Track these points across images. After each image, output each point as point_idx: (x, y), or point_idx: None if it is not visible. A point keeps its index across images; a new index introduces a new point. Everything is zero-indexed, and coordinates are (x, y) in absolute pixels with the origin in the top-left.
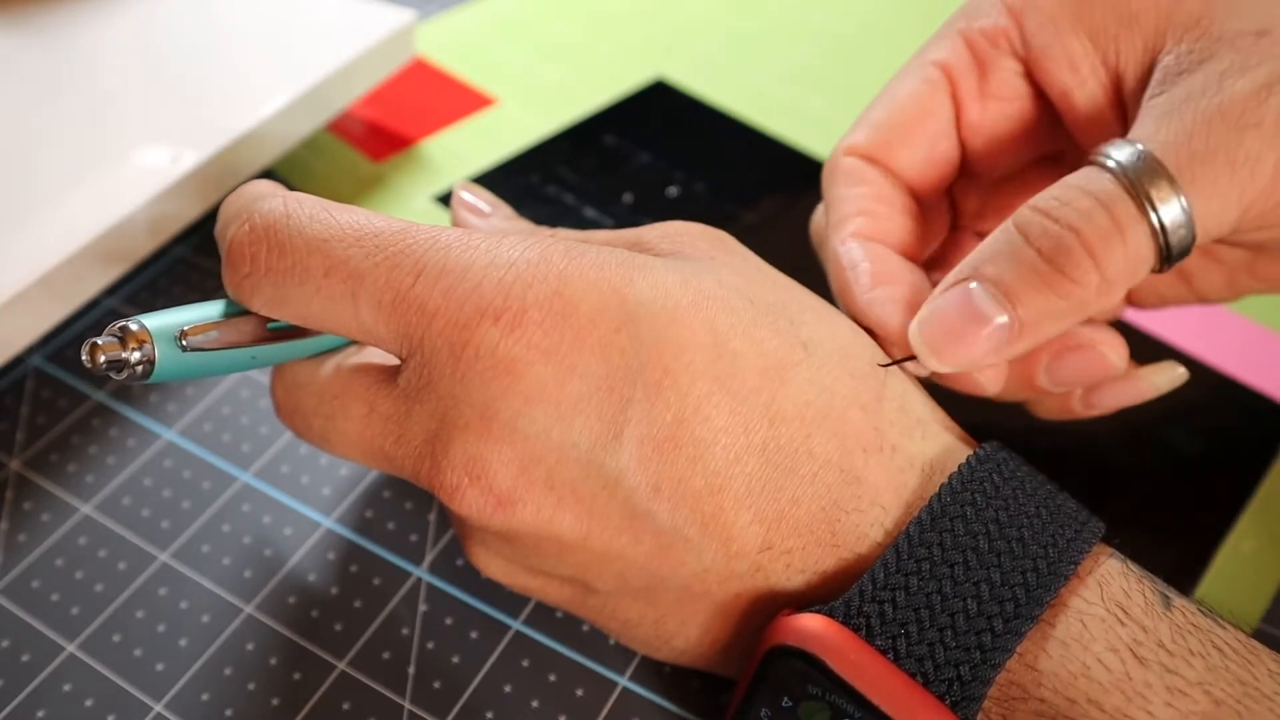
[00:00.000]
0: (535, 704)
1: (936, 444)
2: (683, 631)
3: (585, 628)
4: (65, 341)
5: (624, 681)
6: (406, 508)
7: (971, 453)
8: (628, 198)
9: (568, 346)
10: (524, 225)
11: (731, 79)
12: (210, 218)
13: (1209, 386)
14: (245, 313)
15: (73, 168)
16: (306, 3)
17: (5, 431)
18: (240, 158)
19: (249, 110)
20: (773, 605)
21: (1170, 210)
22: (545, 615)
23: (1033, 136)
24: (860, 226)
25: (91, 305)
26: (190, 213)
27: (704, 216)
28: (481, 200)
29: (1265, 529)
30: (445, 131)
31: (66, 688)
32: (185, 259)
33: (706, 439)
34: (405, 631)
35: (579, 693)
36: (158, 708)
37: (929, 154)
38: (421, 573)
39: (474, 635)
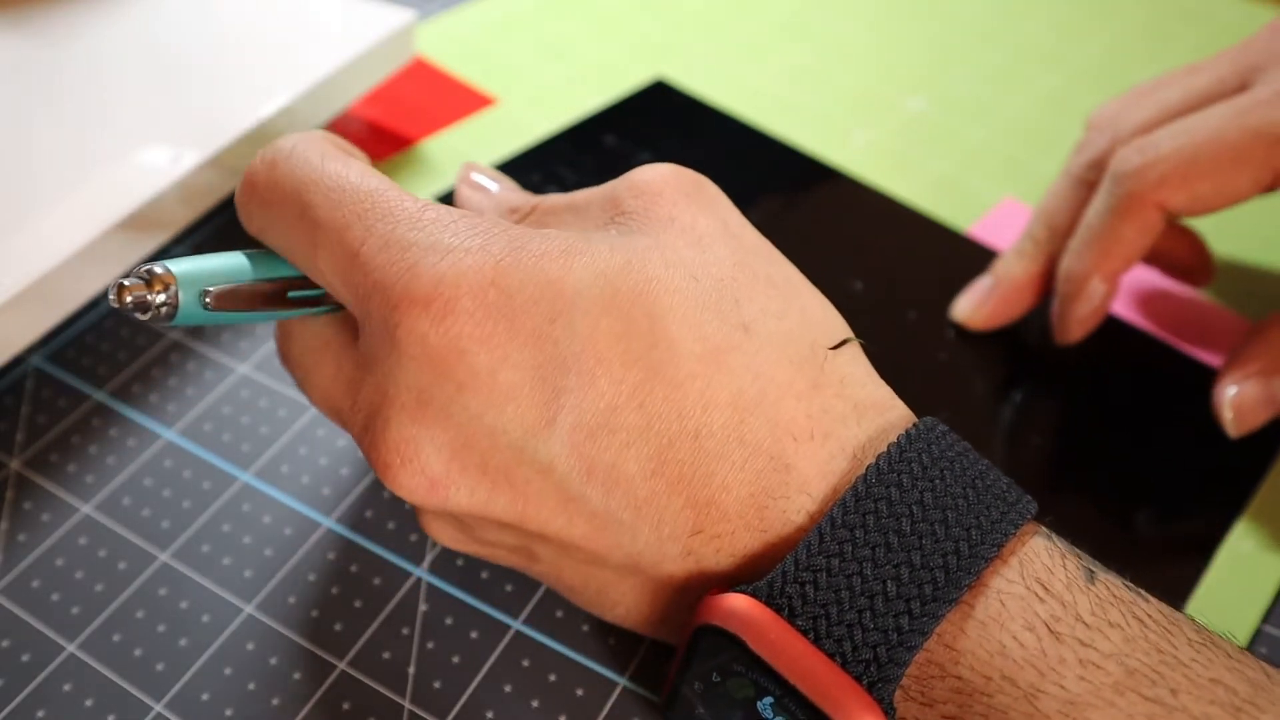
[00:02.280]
0: (535, 704)
1: (871, 428)
2: (624, 601)
3: (585, 627)
4: (65, 341)
5: (624, 681)
6: (407, 508)
7: (902, 433)
8: None
9: (501, 336)
10: (525, 197)
11: (731, 79)
12: (211, 218)
13: (1210, 387)
14: (268, 280)
15: (73, 168)
16: (306, 3)
17: (5, 431)
18: (240, 158)
19: (249, 110)
20: (705, 585)
21: None
22: (545, 615)
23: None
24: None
25: (92, 305)
26: (190, 213)
27: None
28: (484, 178)
29: (1265, 529)
30: (445, 131)
31: (66, 688)
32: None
33: (640, 425)
34: (405, 631)
35: (579, 693)
36: (158, 708)
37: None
38: (421, 573)
39: (474, 635)
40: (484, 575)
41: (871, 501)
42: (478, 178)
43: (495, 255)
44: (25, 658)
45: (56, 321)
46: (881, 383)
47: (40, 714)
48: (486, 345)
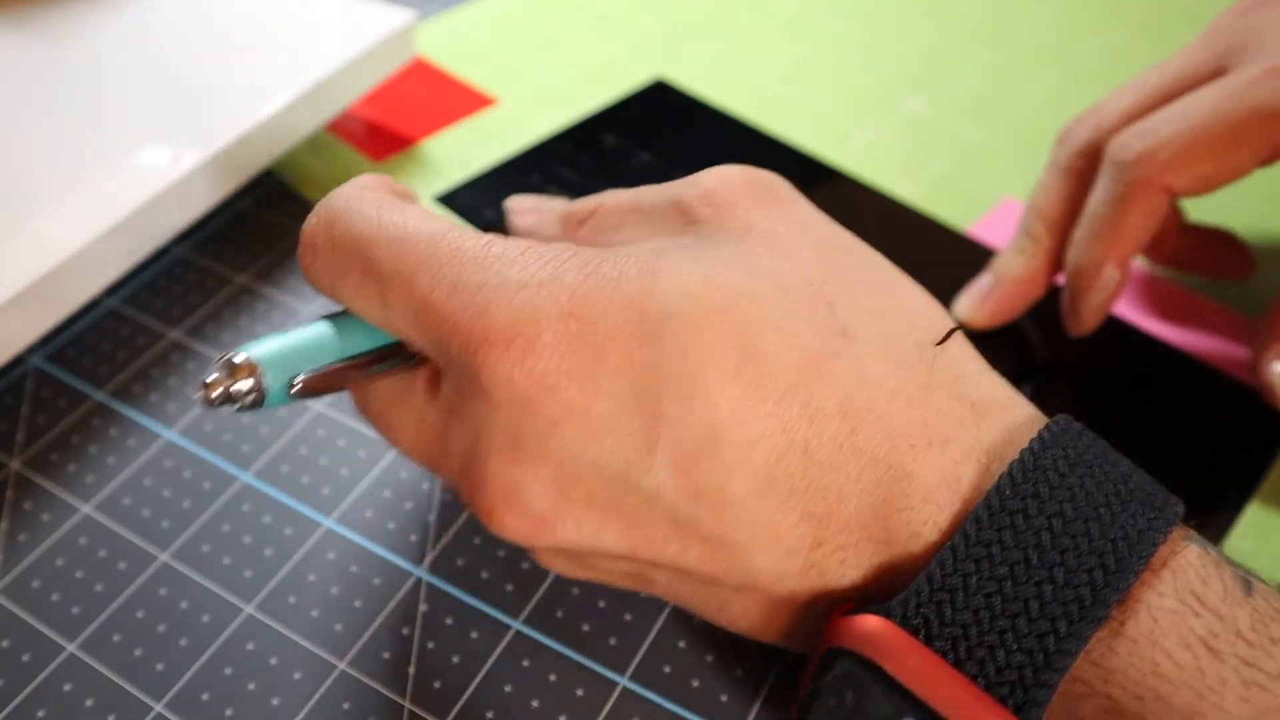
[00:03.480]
0: (535, 704)
1: (995, 430)
2: (746, 616)
3: (585, 627)
4: (65, 341)
5: (624, 681)
6: (406, 508)
7: (1035, 437)
8: None
9: (590, 366)
10: (582, 202)
11: (731, 79)
12: (210, 218)
13: (1209, 386)
14: (350, 359)
15: (73, 168)
16: (306, 3)
17: (5, 431)
18: (241, 157)
19: (250, 110)
20: (830, 600)
21: None
22: (545, 615)
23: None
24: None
25: (92, 305)
26: (190, 213)
27: None
28: (530, 201)
29: (1265, 529)
30: (445, 131)
31: (66, 688)
32: (185, 259)
33: (744, 443)
34: (405, 631)
35: (579, 693)
36: (158, 708)
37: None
38: (421, 573)
39: (474, 635)
40: (484, 575)
41: (1007, 515)
42: (524, 203)
43: (570, 284)
44: (25, 658)
45: (56, 321)
46: (996, 377)
47: (40, 714)
48: (576, 378)
